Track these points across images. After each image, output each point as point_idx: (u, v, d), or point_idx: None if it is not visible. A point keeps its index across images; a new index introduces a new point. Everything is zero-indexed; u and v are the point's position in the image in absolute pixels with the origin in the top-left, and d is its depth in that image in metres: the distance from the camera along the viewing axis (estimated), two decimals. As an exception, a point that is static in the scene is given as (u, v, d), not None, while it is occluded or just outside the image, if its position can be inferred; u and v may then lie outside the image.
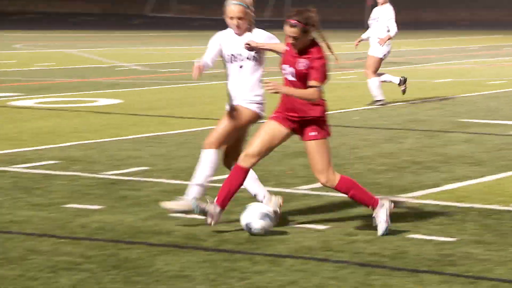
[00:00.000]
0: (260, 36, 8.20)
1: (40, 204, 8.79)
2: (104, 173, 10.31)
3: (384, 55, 17.19)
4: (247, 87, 8.18)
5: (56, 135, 12.99)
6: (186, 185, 9.76)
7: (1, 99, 17.24)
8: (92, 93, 18.59)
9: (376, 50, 17.13)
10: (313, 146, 7.76)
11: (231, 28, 8.24)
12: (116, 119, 14.93)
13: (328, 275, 6.74)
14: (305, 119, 7.79)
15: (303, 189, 9.73)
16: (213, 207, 7.78)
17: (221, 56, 8.29)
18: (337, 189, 7.86)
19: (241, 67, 8.18)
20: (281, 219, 8.26)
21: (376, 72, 17.20)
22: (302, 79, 7.74)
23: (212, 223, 7.78)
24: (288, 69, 7.79)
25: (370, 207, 7.85)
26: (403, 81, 17.43)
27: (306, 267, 6.96)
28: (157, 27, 49.45)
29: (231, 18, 8.17)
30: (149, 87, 20.34)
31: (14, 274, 6.61)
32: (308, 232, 7.97)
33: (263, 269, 6.87)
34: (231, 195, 7.84)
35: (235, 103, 8.22)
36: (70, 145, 12.19)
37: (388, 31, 17.13)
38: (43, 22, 49.20)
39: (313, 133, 7.77)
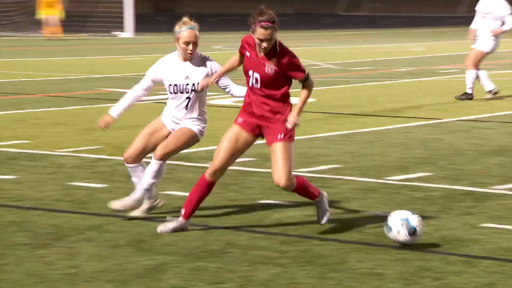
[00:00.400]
0: (202, 63, 8.02)
1: (236, 199, 8.95)
2: (297, 170, 10.37)
3: (491, 49, 16.77)
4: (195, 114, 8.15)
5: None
6: (376, 183, 9.76)
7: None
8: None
9: (483, 44, 16.74)
10: (278, 148, 7.44)
11: (183, 53, 7.99)
12: (308, 117, 14.99)
13: (527, 277, 6.57)
14: (273, 123, 7.47)
15: (498, 188, 9.51)
16: (182, 222, 7.63)
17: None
18: (295, 191, 7.61)
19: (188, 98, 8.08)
20: (474, 218, 8.11)
21: (477, 66, 16.82)
22: (267, 84, 7.39)
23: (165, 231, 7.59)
24: (254, 74, 7.40)
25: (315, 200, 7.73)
26: (493, 93, 16.93)
27: (504, 269, 6.79)
28: (349, 25, 49.41)
29: (187, 43, 7.93)
30: (341, 85, 20.34)
31: (214, 266, 6.75)
32: (505, 233, 7.78)
33: (458, 269, 6.75)
34: (196, 208, 7.67)
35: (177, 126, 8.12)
36: (265, 143, 12.29)
37: (502, 24, 16.68)
38: (239, 23, 50.06)
39: (280, 135, 7.44)
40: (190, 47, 7.90)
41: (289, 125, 7.39)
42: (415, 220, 7.25)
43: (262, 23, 7.21)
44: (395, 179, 9.98)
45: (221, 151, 7.52)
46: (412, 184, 9.73)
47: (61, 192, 9.17)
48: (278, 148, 7.43)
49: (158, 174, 8.05)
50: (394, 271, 6.71)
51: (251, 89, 7.46)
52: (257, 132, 7.56)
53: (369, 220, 8.19)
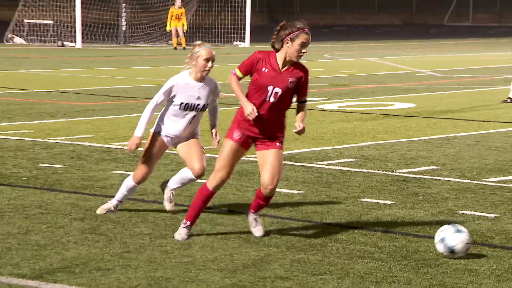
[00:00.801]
0: (210, 84, 7.90)
1: (338, 197, 8.93)
2: (396, 171, 10.30)
3: None
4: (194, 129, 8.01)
5: (354, 135, 13.13)
6: (474, 184, 9.61)
7: (310, 103, 17.61)
8: (389, 97, 18.61)
9: None
10: (276, 155, 7.17)
11: (202, 70, 7.79)
12: (410, 121, 14.86)
13: None
14: (273, 131, 7.22)
15: None
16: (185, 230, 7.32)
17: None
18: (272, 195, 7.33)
19: (193, 117, 7.93)
20: None
21: None
22: (284, 98, 7.14)
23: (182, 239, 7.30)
24: (274, 89, 7.12)
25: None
26: None
27: None
28: (454, 35, 48.66)
29: (208, 60, 7.76)
30: (443, 92, 20.07)
31: (316, 259, 6.76)
32: None
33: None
34: (199, 215, 7.41)
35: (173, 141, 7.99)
36: (367, 144, 12.27)
37: None
38: (350, 33, 49.82)
39: (279, 144, 7.20)
40: (210, 64, 7.76)
41: (300, 127, 7.08)
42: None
43: (306, 29, 7.15)
44: (492, 180, 9.81)
45: (226, 165, 7.23)
46: (508, 186, 9.55)
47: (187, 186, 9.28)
48: (276, 154, 7.17)
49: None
50: (487, 267, 6.60)
51: (261, 104, 7.14)
52: (250, 144, 7.32)
53: (464, 218, 8.08)
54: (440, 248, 6.85)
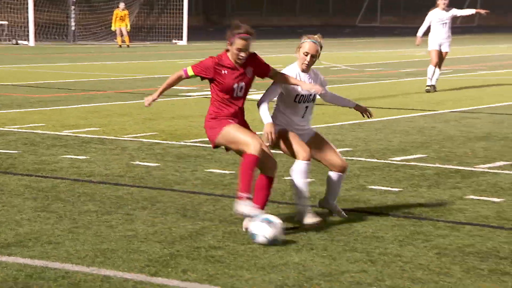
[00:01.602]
0: (316, 76, 7.08)
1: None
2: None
3: None
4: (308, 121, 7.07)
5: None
6: (381, 162, 9.68)
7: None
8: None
9: None
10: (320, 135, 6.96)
11: (301, 63, 6.97)
12: (328, 109, 14.91)
13: (502, 240, 6.48)
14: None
15: (481, 167, 9.40)
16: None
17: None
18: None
19: (306, 108, 7.01)
20: (461, 192, 8.04)
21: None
22: (248, 89, 6.76)
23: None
24: (240, 84, 6.71)
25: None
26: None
27: (482, 232, 6.71)
28: (364, 35, 49.06)
29: (307, 54, 6.96)
30: (355, 83, 20.21)
31: (244, 231, 6.71)
32: (485, 204, 7.69)
33: (445, 233, 6.68)
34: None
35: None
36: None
37: None
38: (275, 33, 49.88)
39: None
40: (308, 58, 6.94)
41: (316, 88, 6.78)
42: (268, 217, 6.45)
43: (243, 35, 6.64)
44: (397, 159, 9.90)
45: (252, 134, 6.68)
46: (410, 164, 9.65)
47: (124, 169, 9.19)
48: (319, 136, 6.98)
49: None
50: (391, 234, 6.65)
51: (230, 101, 6.73)
52: None
53: (373, 193, 8.13)
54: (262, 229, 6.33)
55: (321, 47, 7.03)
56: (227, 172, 9.09)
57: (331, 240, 6.50)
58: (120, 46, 34.60)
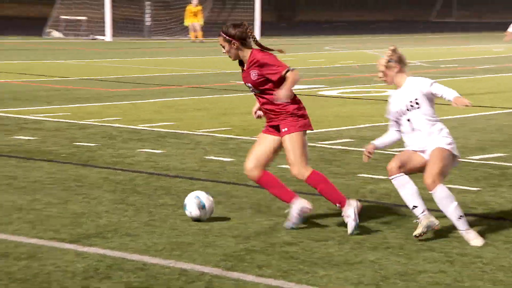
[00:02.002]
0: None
1: (338, 173, 8.89)
2: (389, 150, 10.22)
3: None
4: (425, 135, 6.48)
5: (352, 118, 13.08)
6: (459, 161, 9.55)
7: (313, 89, 17.59)
8: (382, 85, 18.46)
9: None
10: (286, 141, 6.57)
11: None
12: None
13: None
14: (279, 120, 6.59)
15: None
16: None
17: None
18: (307, 182, 6.64)
19: (408, 120, 6.54)
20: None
21: None
22: (261, 89, 6.56)
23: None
24: (247, 84, 6.63)
25: (338, 206, 6.61)
26: None
27: None
28: (439, 30, 48.40)
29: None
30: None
31: (319, 227, 6.71)
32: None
33: None
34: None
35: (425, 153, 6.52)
36: (363, 126, 12.23)
37: None
38: (348, 29, 49.61)
39: (284, 129, 6.56)
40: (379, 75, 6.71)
41: (275, 97, 6.46)
42: (205, 198, 6.81)
43: (220, 32, 6.66)
44: (475, 158, 9.77)
45: (251, 152, 6.80)
46: (489, 163, 9.51)
47: (199, 164, 9.28)
48: (284, 141, 6.61)
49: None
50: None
51: (255, 97, 6.73)
52: (275, 132, 6.71)
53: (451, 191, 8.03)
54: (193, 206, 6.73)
55: (392, 60, 6.58)
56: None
57: (406, 239, 6.45)
58: (194, 41, 34.91)
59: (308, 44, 35.09)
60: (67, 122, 12.14)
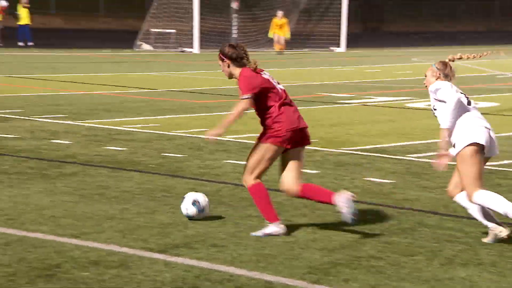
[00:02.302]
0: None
1: (427, 187, 8.77)
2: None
3: None
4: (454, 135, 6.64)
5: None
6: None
7: (400, 101, 17.40)
8: (473, 97, 18.08)
9: None
10: (256, 146, 6.83)
11: None
12: (493, 119, 14.48)
13: None
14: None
15: None
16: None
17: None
18: (248, 190, 6.83)
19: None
20: None
21: None
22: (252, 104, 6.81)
23: None
24: None
25: (266, 222, 6.77)
26: None
27: None
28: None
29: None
30: (520, 93, 19.53)
31: (407, 242, 6.64)
32: None
33: None
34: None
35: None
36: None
37: None
38: (436, 39, 48.99)
39: (260, 137, 6.85)
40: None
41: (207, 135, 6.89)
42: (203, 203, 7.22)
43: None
44: None
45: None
46: None
47: (284, 176, 9.27)
48: (255, 145, 6.87)
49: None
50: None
51: None
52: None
53: None
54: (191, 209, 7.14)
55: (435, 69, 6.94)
56: (387, 181, 9.01)
57: (500, 255, 6.30)
58: (281, 52, 35.07)
59: (395, 56, 34.79)
60: (156, 133, 12.32)
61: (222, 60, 7.03)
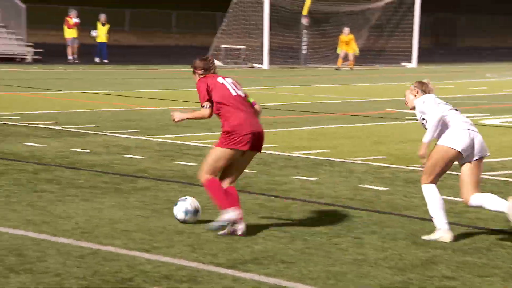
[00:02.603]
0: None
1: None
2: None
3: None
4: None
5: (514, 149, 12.64)
6: None
7: (475, 118, 17.13)
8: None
9: None
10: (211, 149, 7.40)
11: None
12: None
13: None
14: None
15: None
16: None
17: None
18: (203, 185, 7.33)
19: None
20: None
21: None
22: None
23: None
24: None
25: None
26: None
27: None
28: None
29: None
30: None
31: (481, 262, 6.51)
32: None
33: None
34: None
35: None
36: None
37: None
38: (510, 55, 48.18)
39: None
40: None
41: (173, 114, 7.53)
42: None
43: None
44: None
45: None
46: None
47: (353, 192, 9.23)
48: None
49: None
50: None
51: None
52: None
53: None
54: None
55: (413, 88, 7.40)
56: (458, 199, 8.86)
57: None
58: (338, 68, 35.01)
59: (469, 71, 34.30)
60: (225, 148, 12.37)
61: (193, 72, 7.59)
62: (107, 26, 35.22)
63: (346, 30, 35.37)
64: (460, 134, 7.12)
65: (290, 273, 6.12)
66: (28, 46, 35.20)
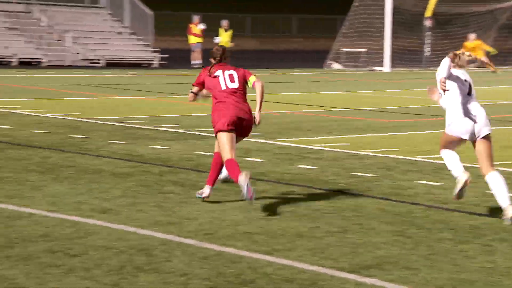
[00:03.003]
0: None
1: None
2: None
3: None
4: None
5: None
6: None
7: None
8: None
9: None
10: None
11: None
12: None
13: None
14: None
15: None
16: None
17: None
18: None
19: None
20: None
21: None
22: None
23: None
24: None
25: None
26: None
27: None
28: None
29: None
30: None
31: None
32: None
33: None
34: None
35: None
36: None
37: None
38: None
39: None
40: None
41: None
42: None
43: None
44: None
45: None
46: None
47: (479, 198, 8.94)
48: None
49: None
50: None
51: None
52: None
53: None
54: None
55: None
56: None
57: None
58: (494, 71, 33.85)
59: None
60: (346, 152, 12.25)
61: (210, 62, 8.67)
62: (230, 32, 35.43)
63: (472, 36, 34.30)
64: (461, 122, 8.12)
65: (414, 280, 5.95)
66: (154, 52, 36.03)
